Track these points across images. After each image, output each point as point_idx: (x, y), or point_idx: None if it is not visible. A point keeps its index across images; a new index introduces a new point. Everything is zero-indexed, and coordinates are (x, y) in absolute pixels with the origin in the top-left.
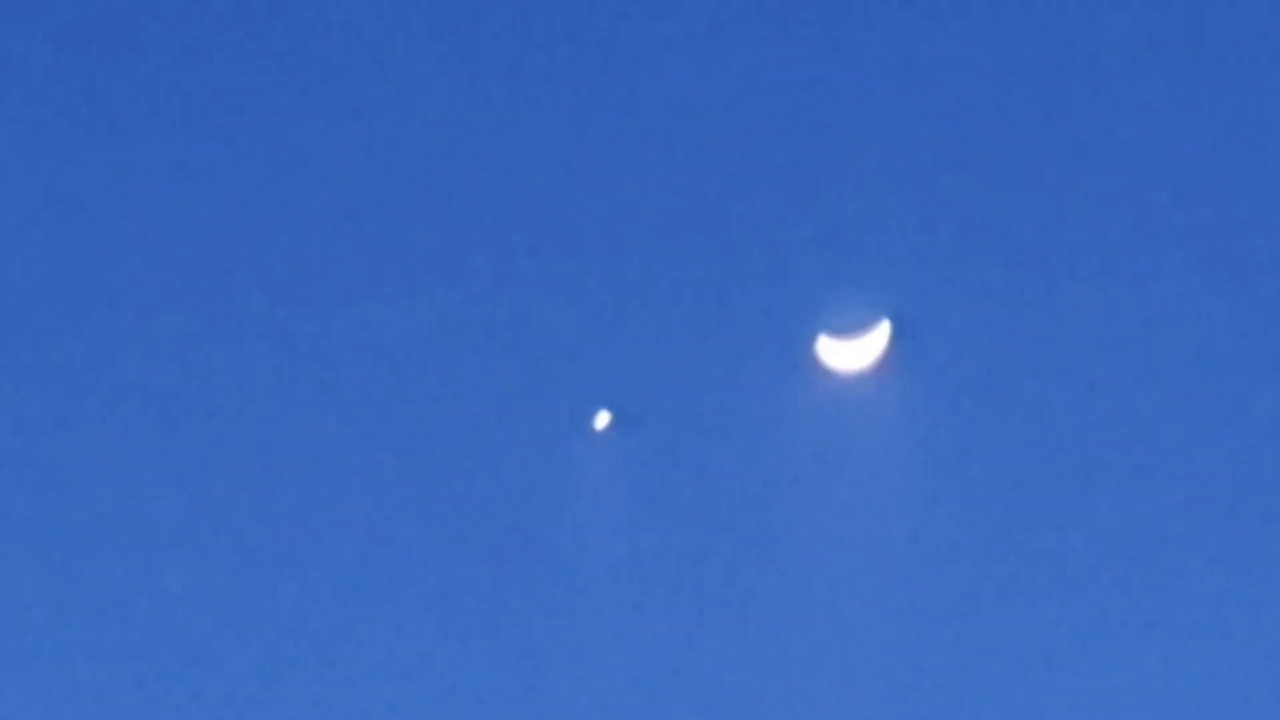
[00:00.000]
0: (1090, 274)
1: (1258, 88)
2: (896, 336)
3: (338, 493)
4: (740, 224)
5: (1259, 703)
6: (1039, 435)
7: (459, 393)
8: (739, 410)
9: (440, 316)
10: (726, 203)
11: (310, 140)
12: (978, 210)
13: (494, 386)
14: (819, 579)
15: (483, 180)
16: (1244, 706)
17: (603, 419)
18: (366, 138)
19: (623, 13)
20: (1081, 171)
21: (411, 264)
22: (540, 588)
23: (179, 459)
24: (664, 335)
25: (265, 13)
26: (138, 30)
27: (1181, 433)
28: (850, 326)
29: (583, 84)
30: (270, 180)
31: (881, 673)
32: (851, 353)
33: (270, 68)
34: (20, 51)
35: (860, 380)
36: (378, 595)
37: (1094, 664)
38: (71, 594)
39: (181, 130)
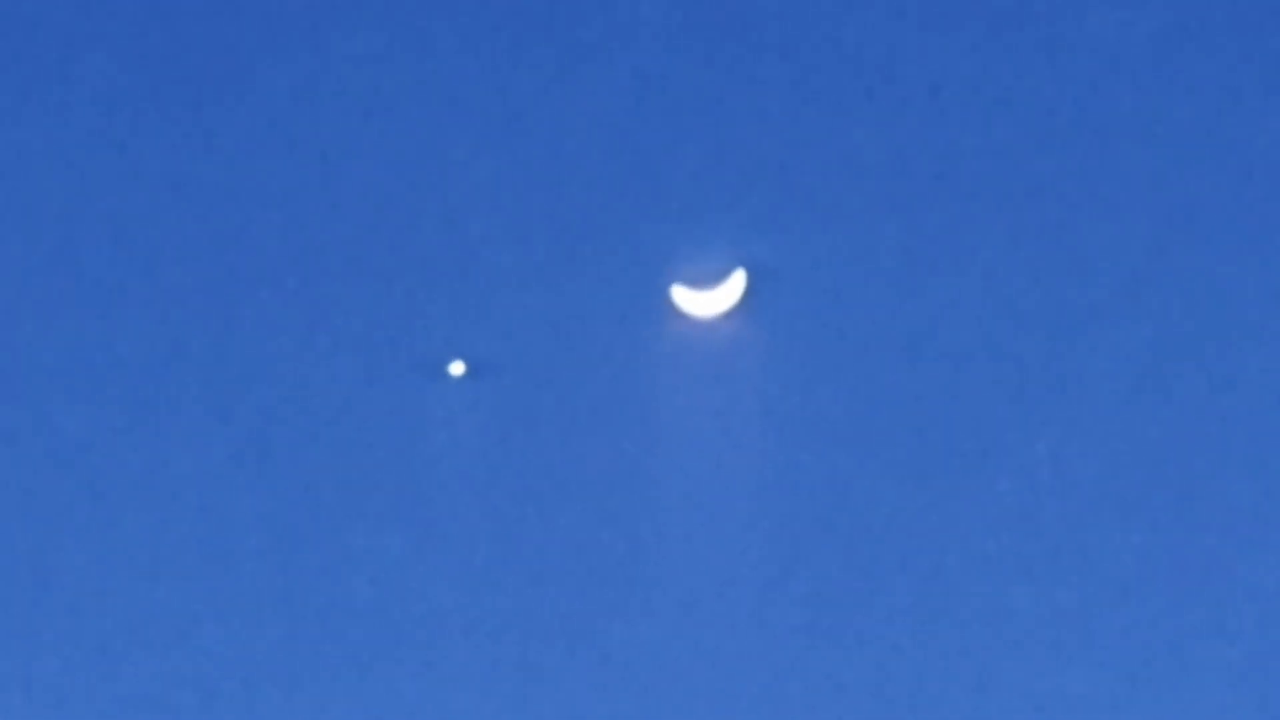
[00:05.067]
0: (947, 226)
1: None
2: (752, 285)
3: (198, 433)
4: (595, 173)
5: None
6: (894, 386)
7: (313, 343)
8: (593, 358)
9: (296, 266)
10: (581, 152)
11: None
12: (833, 159)
13: (350, 336)
14: (674, 525)
15: (335, 134)
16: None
17: (457, 368)
18: None
19: None
20: (939, 117)
21: (266, 215)
22: (398, 537)
23: None
24: (519, 283)
25: None
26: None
27: (1032, 382)
28: (705, 275)
29: (433, 26)
30: None
31: (738, 615)
32: (706, 301)
33: None
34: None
35: (715, 327)
36: (236, 544)
37: (951, 608)
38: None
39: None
